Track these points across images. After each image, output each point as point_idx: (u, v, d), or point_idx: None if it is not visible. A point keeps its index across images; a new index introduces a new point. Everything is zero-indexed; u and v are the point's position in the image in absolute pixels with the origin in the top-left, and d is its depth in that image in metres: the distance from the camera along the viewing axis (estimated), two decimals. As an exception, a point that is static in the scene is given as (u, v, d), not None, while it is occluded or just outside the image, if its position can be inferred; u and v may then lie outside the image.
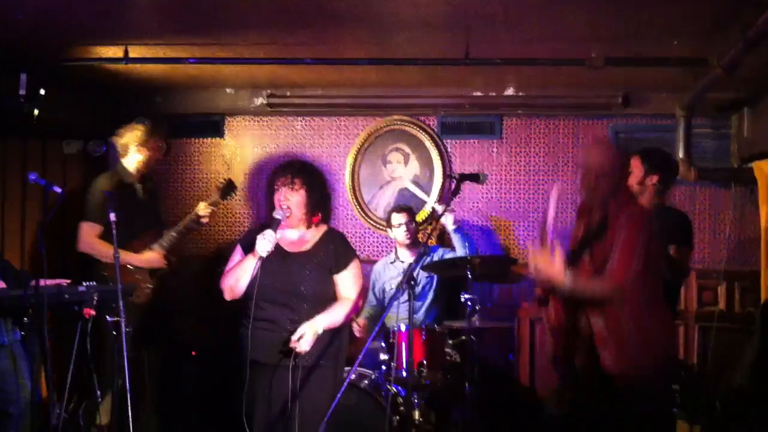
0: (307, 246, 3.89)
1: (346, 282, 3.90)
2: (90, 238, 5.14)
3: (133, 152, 5.34)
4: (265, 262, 3.76)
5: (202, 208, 5.37)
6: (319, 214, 3.93)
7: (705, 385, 5.51)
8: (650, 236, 3.57)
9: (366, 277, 6.03)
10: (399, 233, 5.70)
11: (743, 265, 6.05)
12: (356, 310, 3.93)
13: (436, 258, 5.70)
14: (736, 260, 6.07)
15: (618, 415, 3.52)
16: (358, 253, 6.27)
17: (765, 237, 5.64)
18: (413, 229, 5.71)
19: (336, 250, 3.89)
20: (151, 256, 5.25)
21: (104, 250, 4.95)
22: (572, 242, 3.83)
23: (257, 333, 3.79)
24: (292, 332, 3.75)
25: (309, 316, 3.79)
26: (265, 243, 3.70)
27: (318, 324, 3.76)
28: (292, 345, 3.71)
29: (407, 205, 5.97)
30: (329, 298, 3.86)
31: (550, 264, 3.36)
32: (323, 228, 3.96)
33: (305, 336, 3.72)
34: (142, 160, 5.36)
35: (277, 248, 3.83)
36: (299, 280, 3.80)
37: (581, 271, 3.52)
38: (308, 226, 3.92)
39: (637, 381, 3.49)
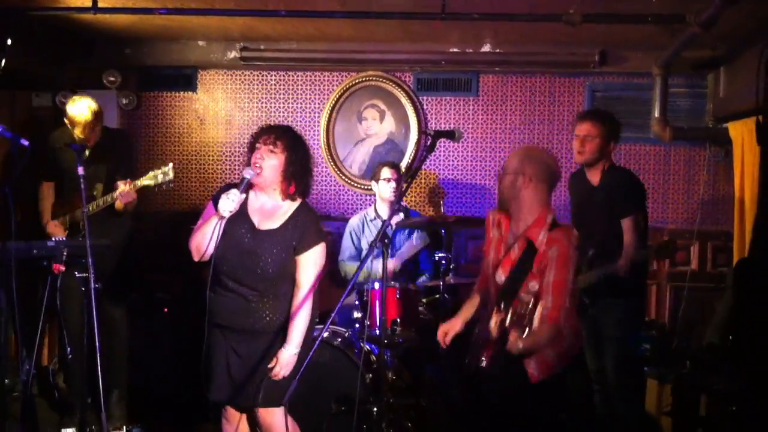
0: (278, 223, 3.73)
1: (307, 264, 3.74)
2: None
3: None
4: (234, 236, 3.67)
5: (120, 192, 4.87)
6: (294, 185, 3.77)
7: (676, 344, 5.57)
8: (575, 264, 3.60)
9: (336, 240, 6.02)
10: (385, 188, 5.60)
11: (716, 225, 6.08)
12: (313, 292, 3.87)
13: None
14: (709, 220, 6.10)
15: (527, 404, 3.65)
16: (332, 211, 6.33)
17: (738, 197, 5.66)
18: (400, 187, 5.64)
19: (303, 228, 3.73)
20: (52, 230, 5.16)
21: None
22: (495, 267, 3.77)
23: (219, 299, 3.73)
24: (253, 302, 3.71)
25: (268, 290, 3.72)
26: (228, 202, 3.56)
27: (294, 348, 3.70)
28: (274, 376, 3.68)
29: (397, 163, 5.92)
30: (289, 276, 3.75)
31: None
32: (297, 202, 3.80)
33: (285, 368, 3.69)
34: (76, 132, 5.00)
35: (248, 221, 3.73)
36: (265, 261, 3.68)
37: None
38: (284, 197, 3.78)
39: (549, 379, 3.60)
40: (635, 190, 4.67)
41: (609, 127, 4.64)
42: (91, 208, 4.82)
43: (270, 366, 3.68)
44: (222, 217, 3.59)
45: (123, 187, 4.83)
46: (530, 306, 3.29)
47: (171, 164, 4.86)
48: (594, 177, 4.70)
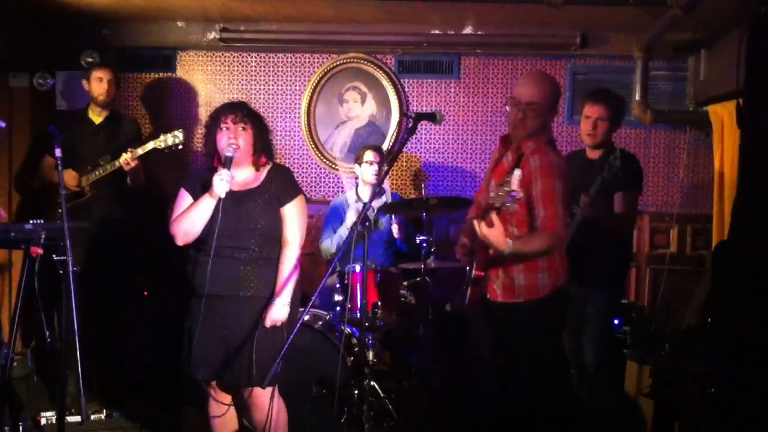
0: (257, 183, 3.85)
1: (292, 217, 3.85)
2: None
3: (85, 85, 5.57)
4: (219, 209, 3.70)
5: (124, 159, 5.17)
6: (264, 156, 3.90)
7: (655, 326, 5.60)
8: (564, 175, 3.57)
9: (318, 217, 6.01)
10: (368, 171, 5.56)
11: (696, 208, 6.11)
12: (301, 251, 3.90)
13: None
14: (689, 203, 6.13)
15: (511, 338, 3.66)
16: (313, 194, 6.32)
17: (718, 181, 5.69)
18: (382, 170, 5.60)
19: (283, 182, 3.88)
20: (66, 177, 5.24)
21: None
22: (488, 181, 3.81)
23: (206, 268, 3.71)
24: (241, 266, 3.76)
25: (260, 250, 3.78)
26: (223, 183, 3.65)
27: (283, 301, 3.78)
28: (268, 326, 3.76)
29: (379, 145, 5.89)
30: (278, 233, 3.84)
31: (492, 232, 3.36)
32: (269, 165, 3.94)
33: (278, 320, 3.77)
34: (93, 92, 5.53)
35: (229, 193, 3.75)
36: (253, 218, 3.77)
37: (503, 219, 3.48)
38: (256, 169, 3.89)
39: (524, 309, 3.59)
40: (635, 170, 4.63)
41: (619, 110, 4.60)
42: (98, 173, 5.26)
43: (265, 325, 3.75)
44: (220, 198, 3.68)
45: (125, 155, 5.13)
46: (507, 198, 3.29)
47: (181, 129, 5.15)
48: (594, 155, 4.66)
